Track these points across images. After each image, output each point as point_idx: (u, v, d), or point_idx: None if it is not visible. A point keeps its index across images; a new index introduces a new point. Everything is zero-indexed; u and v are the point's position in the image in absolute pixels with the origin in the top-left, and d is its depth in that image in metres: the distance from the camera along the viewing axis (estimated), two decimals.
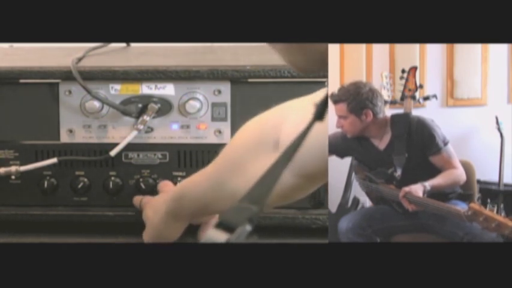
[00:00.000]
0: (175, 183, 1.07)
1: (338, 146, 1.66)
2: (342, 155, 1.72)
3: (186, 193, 0.93)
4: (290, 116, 0.80)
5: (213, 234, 0.54)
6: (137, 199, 1.06)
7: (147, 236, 1.00)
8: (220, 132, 1.06)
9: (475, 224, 1.23)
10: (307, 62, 0.61)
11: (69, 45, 1.10)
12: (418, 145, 1.55)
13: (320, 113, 0.61)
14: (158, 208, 0.98)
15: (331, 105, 1.58)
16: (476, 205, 1.19)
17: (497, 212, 1.21)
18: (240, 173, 0.82)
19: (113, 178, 1.07)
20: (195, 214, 0.95)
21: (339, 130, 1.68)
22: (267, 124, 0.83)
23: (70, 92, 1.06)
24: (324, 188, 1.05)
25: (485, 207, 1.20)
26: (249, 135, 0.85)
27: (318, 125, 0.60)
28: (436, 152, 1.55)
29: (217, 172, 0.88)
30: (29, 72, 1.06)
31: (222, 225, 0.54)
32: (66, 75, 1.04)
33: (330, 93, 1.60)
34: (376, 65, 2.37)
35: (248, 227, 0.54)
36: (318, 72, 0.61)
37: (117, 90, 1.06)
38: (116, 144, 1.05)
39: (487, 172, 2.03)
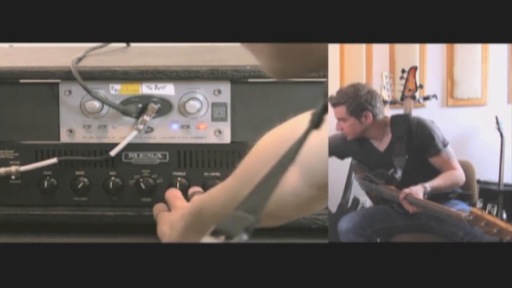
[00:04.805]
0: (182, 191, 1.06)
1: (338, 148, 1.66)
2: (342, 156, 1.72)
3: (205, 207, 0.93)
4: (306, 126, 0.81)
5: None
6: (157, 208, 1.06)
7: None
8: (220, 132, 1.06)
9: (476, 228, 1.23)
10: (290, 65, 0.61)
11: (69, 45, 1.10)
12: (417, 146, 1.56)
13: (316, 121, 0.61)
14: (175, 224, 0.97)
15: (330, 109, 1.58)
16: (478, 210, 1.19)
17: (497, 213, 1.21)
18: None
19: (113, 178, 1.07)
20: None
21: (339, 131, 1.68)
22: (283, 136, 0.83)
23: (70, 92, 1.06)
24: None
25: (485, 208, 1.20)
26: (266, 147, 0.85)
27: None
28: (436, 154, 1.55)
29: (236, 185, 0.88)
30: (29, 72, 1.06)
31: (218, 234, 0.54)
32: (66, 75, 1.04)
33: (329, 96, 1.60)
34: (376, 65, 2.37)
35: (244, 237, 0.54)
36: (318, 72, 0.61)
37: (117, 90, 1.06)
38: (116, 144, 1.05)
39: (487, 172, 2.03)
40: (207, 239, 0.54)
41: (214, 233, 0.54)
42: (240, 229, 0.54)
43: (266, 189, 0.58)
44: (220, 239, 0.54)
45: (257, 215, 0.55)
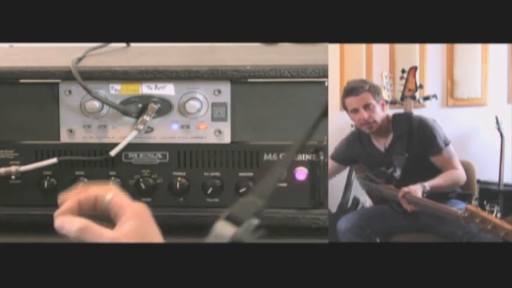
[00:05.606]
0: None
1: (343, 154, 1.66)
2: (346, 163, 1.72)
3: None
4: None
5: (222, 227, 0.58)
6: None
7: None
8: (220, 132, 1.06)
9: (472, 225, 1.24)
10: None
11: (69, 45, 1.10)
12: (419, 145, 1.55)
13: (326, 110, 0.65)
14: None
15: (344, 100, 1.57)
16: (473, 207, 1.20)
17: (497, 212, 1.22)
18: None
19: (113, 178, 1.07)
20: None
21: (342, 137, 1.68)
22: None
23: (70, 92, 1.06)
24: (324, 188, 1.05)
25: (484, 207, 1.21)
26: None
27: None
28: (437, 152, 1.55)
29: None
30: (29, 72, 1.06)
31: (230, 219, 0.58)
32: (66, 75, 1.04)
33: (345, 87, 1.59)
34: (376, 65, 2.37)
35: (255, 221, 0.58)
36: None
37: (117, 90, 1.05)
38: (116, 144, 1.05)
39: (487, 172, 2.03)
40: (220, 226, 0.57)
41: (228, 218, 0.58)
42: (250, 213, 0.58)
43: (275, 176, 0.62)
44: (232, 223, 0.58)
45: (265, 200, 0.59)
